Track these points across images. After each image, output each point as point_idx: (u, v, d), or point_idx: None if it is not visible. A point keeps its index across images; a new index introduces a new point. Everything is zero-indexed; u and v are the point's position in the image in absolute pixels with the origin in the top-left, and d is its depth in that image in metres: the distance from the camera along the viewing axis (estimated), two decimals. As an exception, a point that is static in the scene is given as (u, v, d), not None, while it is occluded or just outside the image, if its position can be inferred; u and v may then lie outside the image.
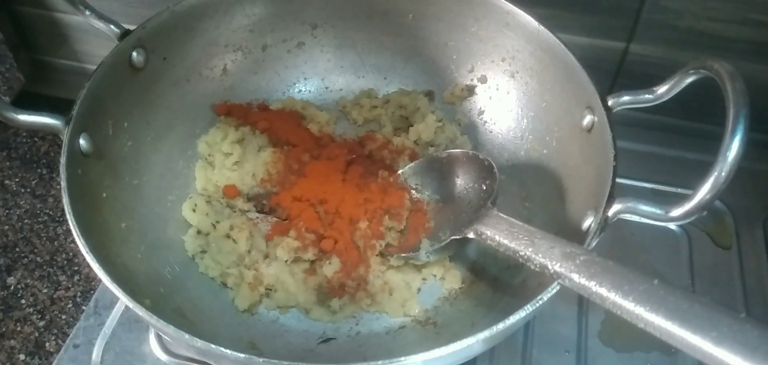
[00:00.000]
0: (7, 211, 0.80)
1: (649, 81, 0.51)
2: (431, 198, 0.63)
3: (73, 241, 0.45)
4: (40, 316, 0.71)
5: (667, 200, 0.43)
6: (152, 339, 0.60)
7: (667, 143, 0.75)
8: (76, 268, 0.75)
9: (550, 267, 0.43)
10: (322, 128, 0.69)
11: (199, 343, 0.40)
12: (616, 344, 0.60)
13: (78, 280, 0.74)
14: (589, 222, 0.49)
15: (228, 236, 0.59)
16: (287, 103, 0.70)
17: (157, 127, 0.62)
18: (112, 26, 0.58)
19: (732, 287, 0.64)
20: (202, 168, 0.65)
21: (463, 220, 0.56)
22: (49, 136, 0.88)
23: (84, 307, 0.66)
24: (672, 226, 0.68)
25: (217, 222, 0.60)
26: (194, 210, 0.61)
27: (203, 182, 0.64)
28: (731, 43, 0.68)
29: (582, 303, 0.62)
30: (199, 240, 0.59)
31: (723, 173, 0.39)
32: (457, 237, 0.55)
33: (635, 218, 0.45)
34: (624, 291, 0.38)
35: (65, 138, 0.50)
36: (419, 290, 0.59)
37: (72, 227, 0.45)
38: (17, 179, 0.84)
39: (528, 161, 0.64)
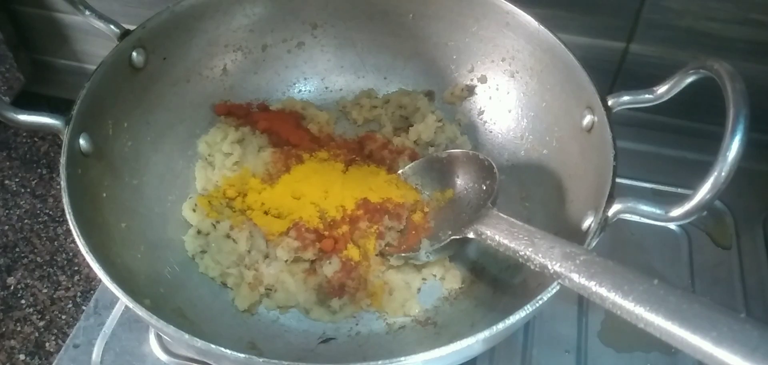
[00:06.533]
0: (7, 211, 0.80)
1: (649, 81, 0.51)
2: (431, 198, 0.63)
3: (73, 241, 0.45)
4: (40, 316, 0.71)
5: (667, 200, 0.43)
6: (152, 339, 0.60)
7: (667, 143, 0.75)
8: (76, 268, 0.75)
9: (550, 267, 0.43)
10: (322, 128, 0.69)
11: (199, 343, 0.40)
12: (616, 344, 0.60)
13: (78, 280, 0.74)
14: (589, 222, 0.49)
15: (228, 236, 0.59)
16: (287, 103, 0.70)
17: (157, 127, 0.62)
18: (112, 26, 0.58)
19: (732, 287, 0.64)
20: (202, 168, 0.65)
21: (463, 220, 0.56)
22: (49, 136, 0.88)
23: (84, 307, 0.66)
24: (672, 226, 0.68)
25: (217, 222, 0.60)
26: (194, 210, 0.61)
27: (203, 182, 0.64)
28: (731, 43, 0.68)
29: (582, 303, 0.62)
30: (199, 240, 0.59)
31: (723, 173, 0.39)
32: (457, 237, 0.55)
33: (635, 218, 0.45)
34: (624, 291, 0.38)
35: (65, 138, 0.50)
36: (419, 290, 0.59)
37: (72, 227, 0.45)
38: (17, 179, 0.84)
39: (528, 161, 0.63)
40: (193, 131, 0.66)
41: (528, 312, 0.42)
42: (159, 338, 0.60)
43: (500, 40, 0.64)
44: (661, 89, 0.50)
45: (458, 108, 0.70)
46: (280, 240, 0.59)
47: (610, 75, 0.74)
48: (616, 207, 0.46)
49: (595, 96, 0.53)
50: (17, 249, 0.77)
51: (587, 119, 0.54)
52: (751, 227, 0.68)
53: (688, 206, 0.41)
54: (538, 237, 0.47)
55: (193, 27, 0.64)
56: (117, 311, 0.62)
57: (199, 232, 0.60)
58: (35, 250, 0.77)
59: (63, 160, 0.49)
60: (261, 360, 0.39)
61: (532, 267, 0.45)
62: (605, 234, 0.46)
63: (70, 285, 0.74)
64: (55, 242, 0.78)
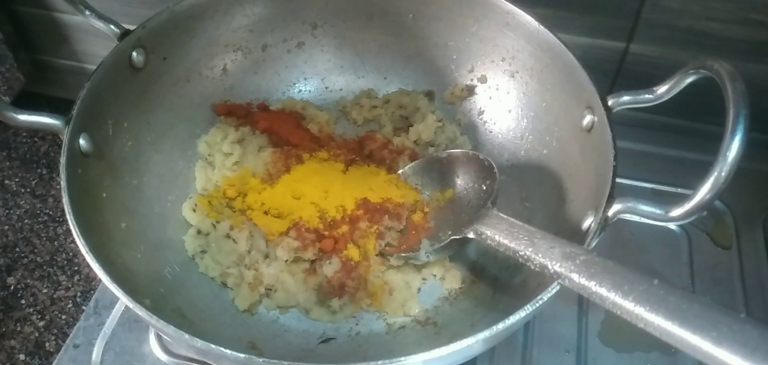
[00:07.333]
0: (7, 211, 0.80)
1: (649, 81, 0.51)
2: (431, 198, 0.63)
3: (73, 241, 0.45)
4: (40, 316, 0.71)
5: (667, 200, 0.43)
6: (152, 339, 0.60)
7: (667, 143, 0.75)
8: (76, 268, 0.75)
9: (550, 267, 0.43)
10: (322, 128, 0.69)
11: (199, 343, 0.40)
12: (616, 344, 0.60)
13: (78, 280, 0.74)
14: (589, 222, 0.49)
15: (228, 236, 0.59)
16: (287, 103, 0.70)
17: (157, 127, 0.62)
18: (112, 26, 0.58)
19: (732, 287, 0.64)
20: (202, 168, 0.65)
21: (463, 220, 0.56)
22: (49, 136, 0.88)
23: (84, 307, 0.66)
24: (672, 226, 0.68)
25: (217, 222, 0.60)
26: (194, 210, 0.61)
27: (203, 182, 0.64)
28: (731, 43, 0.68)
29: (582, 303, 0.62)
30: (199, 240, 0.59)
31: (723, 173, 0.39)
32: (457, 237, 0.55)
33: (635, 218, 0.45)
34: (624, 291, 0.38)
35: (65, 138, 0.50)
36: (419, 290, 0.59)
37: (72, 227, 0.45)
38: (17, 179, 0.84)
39: (528, 161, 0.63)
40: (193, 131, 0.66)
41: (528, 312, 0.42)
42: (159, 338, 0.60)
43: (500, 40, 0.64)
44: (661, 89, 0.50)
45: (458, 108, 0.70)
46: (280, 240, 0.59)
47: (610, 75, 0.74)
48: (616, 207, 0.46)
49: (595, 96, 0.53)
50: (17, 249, 0.77)
51: (587, 119, 0.54)
52: (751, 227, 0.68)
53: (688, 206, 0.41)
54: (538, 237, 0.47)
55: (193, 27, 0.64)
56: (117, 311, 0.62)
57: (199, 232, 0.60)
58: (35, 250, 0.77)
59: (63, 160, 0.49)
60: (261, 360, 0.39)
61: (532, 267, 0.45)
62: (605, 234, 0.46)
63: (70, 285, 0.74)
64: (55, 242, 0.78)
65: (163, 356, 0.59)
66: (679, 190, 0.70)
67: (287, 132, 0.67)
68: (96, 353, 0.59)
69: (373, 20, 0.69)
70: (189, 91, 0.66)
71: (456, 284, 0.59)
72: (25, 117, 0.50)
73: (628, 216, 0.45)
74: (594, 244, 0.46)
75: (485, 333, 0.41)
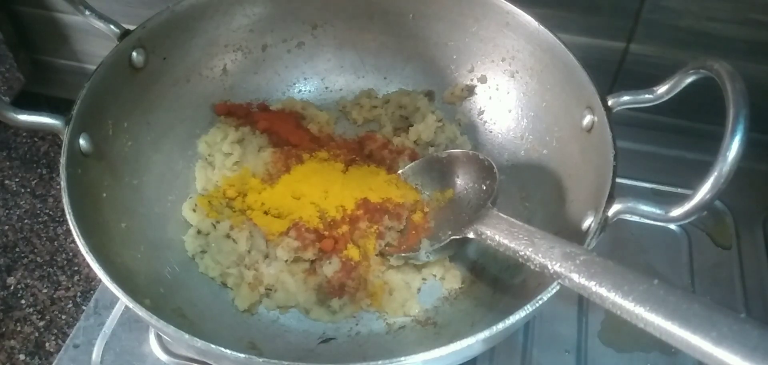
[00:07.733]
0: (7, 211, 0.80)
1: (649, 81, 0.51)
2: (431, 198, 0.63)
3: (73, 241, 0.45)
4: (40, 316, 0.71)
5: (667, 200, 0.43)
6: (152, 339, 0.60)
7: (667, 143, 0.75)
8: (76, 268, 0.75)
9: (550, 267, 0.43)
10: (322, 128, 0.69)
11: (199, 343, 0.40)
12: (616, 344, 0.60)
13: (78, 280, 0.74)
14: (589, 222, 0.49)
15: (228, 236, 0.59)
16: (287, 103, 0.70)
17: (157, 127, 0.62)
18: (112, 26, 0.58)
19: (732, 287, 0.64)
20: (202, 168, 0.65)
21: (463, 220, 0.56)
22: (49, 136, 0.88)
23: (84, 307, 0.66)
24: (672, 226, 0.68)
25: (217, 222, 0.60)
26: (194, 210, 0.61)
27: (203, 182, 0.64)
28: (731, 43, 0.68)
29: (582, 303, 0.62)
30: (199, 240, 0.59)
31: (723, 173, 0.39)
32: (457, 237, 0.55)
33: (635, 218, 0.45)
34: (624, 291, 0.38)
35: (65, 138, 0.50)
36: (419, 290, 0.59)
37: (72, 227, 0.45)
38: (17, 179, 0.84)
39: (528, 161, 0.64)
40: (193, 131, 0.66)
41: (528, 312, 0.42)
42: (159, 338, 0.60)
43: (500, 40, 0.64)
44: (661, 89, 0.50)
45: (458, 108, 0.70)
46: (280, 240, 0.59)
47: (610, 75, 0.74)
48: (616, 207, 0.46)
49: (595, 96, 0.53)
50: (17, 249, 0.77)
51: (587, 119, 0.54)
52: (751, 227, 0.68)
53: (688, 206, 0.41)
54: (538, 237, 0.47)
55: (193, 27, 0.64)
56: (117, 311, 0.62)
57: (199, 232, 0.60)
58: (35, 250, 0.77)
59: (63, 160, 0.49)
60: (261, 360, 0.39)
61: (532, 267, 0.45)
62: (605, 234, 0.46)
63: (70, 285, 0.74)
64: (55, 242, 0.78)
65: (163, 356, 0.59)
66: (679, 190, 0.70)
67: (287, 132, 0.67)
68: (96, 353, 0.59)
69: (373, 20, 0.69)
70: (189, 91, 0.65)
71: (456, 284, 0.59)
72: (25, 117, 0.50)
73: (628, 216, 0.45)
74: (594, 244, 0.46)
75: (485, 333, 0.41)
